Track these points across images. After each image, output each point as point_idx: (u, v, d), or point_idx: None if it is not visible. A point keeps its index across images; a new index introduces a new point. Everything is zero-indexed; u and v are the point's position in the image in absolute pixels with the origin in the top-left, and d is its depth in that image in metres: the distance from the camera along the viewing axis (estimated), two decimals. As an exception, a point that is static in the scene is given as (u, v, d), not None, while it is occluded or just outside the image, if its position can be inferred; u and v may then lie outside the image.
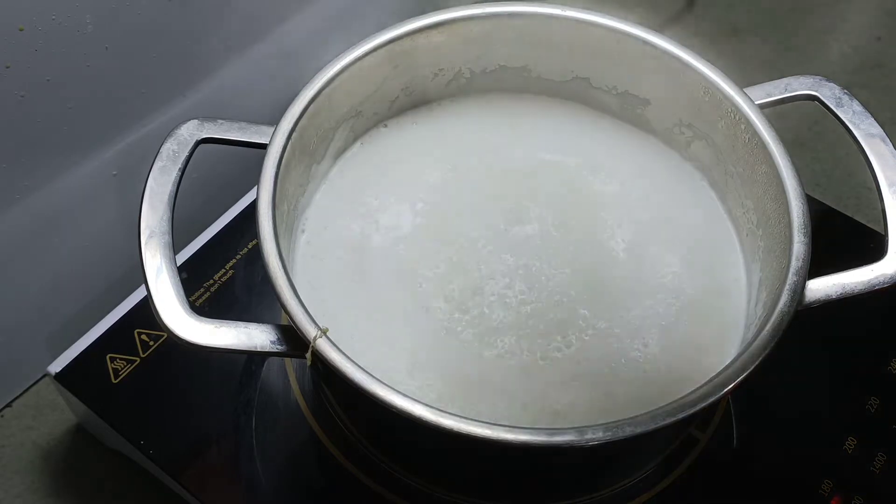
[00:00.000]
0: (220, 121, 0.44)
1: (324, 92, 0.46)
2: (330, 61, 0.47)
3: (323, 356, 0.37)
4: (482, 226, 0.49)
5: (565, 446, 0.36)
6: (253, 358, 0.51)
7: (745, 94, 0.47)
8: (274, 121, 0.45)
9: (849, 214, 0.60)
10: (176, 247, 0.41)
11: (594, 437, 0.36)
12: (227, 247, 0.55)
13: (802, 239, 0.42)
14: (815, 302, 0.41)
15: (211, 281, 0.53)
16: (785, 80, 0.49)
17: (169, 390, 0.50)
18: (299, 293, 0.39)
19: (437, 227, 0.49)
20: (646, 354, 0.45)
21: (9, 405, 0.56)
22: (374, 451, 0.48)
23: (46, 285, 0.53)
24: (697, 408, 0.37)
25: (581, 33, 0.50)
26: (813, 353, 0.52)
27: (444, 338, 0.45)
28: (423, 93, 0.53)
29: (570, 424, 0.40)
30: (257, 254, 0.40)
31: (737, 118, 0.47)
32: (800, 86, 0.48)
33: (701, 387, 0.38)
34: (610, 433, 0.36)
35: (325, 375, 0.43)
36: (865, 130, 0.46)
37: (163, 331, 0.38)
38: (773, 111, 0.48)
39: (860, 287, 0.42)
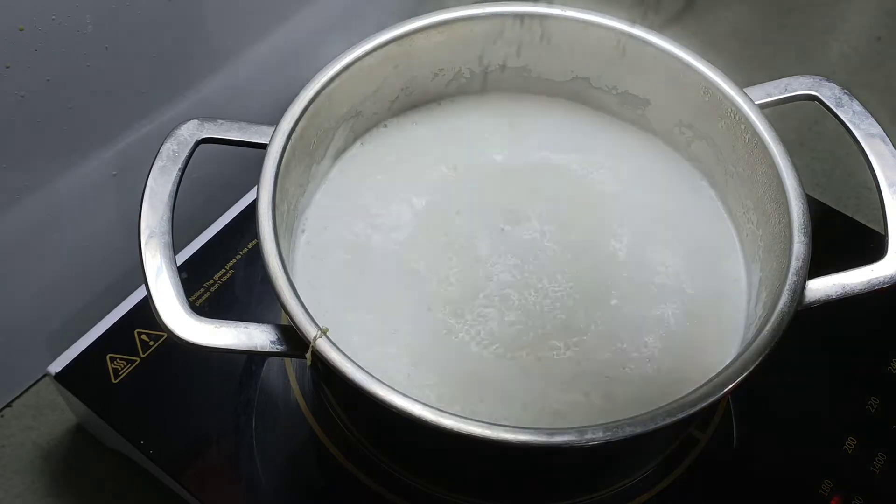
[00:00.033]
0: (220, 121, 0.44)
1: (324, 92, 0.46)
2: (330, 61, 0.47)
3: (323, 356, 0.37)
4: (482, 226, 0.49)
5: (565, 446, 0.36)
6: (253, 358, 0.51)
7: (745, 94, 0.47)
8: (274, 121, 0.45)
9: (849, 214, 0.60)
10: (176, 247, 0.41)
11: (594, 437, 0.36)
12: (227, 247, 0.55)
13: (802, 239, 0.42)
14: (815, 302, 0.41)
15: (211, 281, 0.53)
16: (785, 80, 0.49)
17: (169, 390, 0.50)
18: (299, 293, 0.39)
19: (437, 227, 0.49)
20: (646, 354, 0.45)
21: (9, 405, 0.56)
22: (374, 451, 0.48)
23: (46, 285, 0.53)
24: (697, 408, 0.37)
25: (581, 33, 0.50)
26: (813, 353, 0.52)
27: (444, 338, 0.45)
28: (423, 93, 0.53)
29: (570, 424, 0.40)
30: (257, 254, 0.40)
31: (737, 118, 0.47)
32: (800, 86, 0.48)
33: (701, 387, 0.38)
34: (610, 433, 0.36)
35: (325, 375, 0.43)
36: (865, 130, 0.46)
37: (163, 331, 0.39)
38: (773, 111, 0.48)
39: (860, 287, 0.42)
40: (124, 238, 0.52)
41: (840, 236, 0.58)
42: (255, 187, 0.42)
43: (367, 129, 0.52)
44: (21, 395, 0.56)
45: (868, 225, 0.59)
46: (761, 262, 0.46)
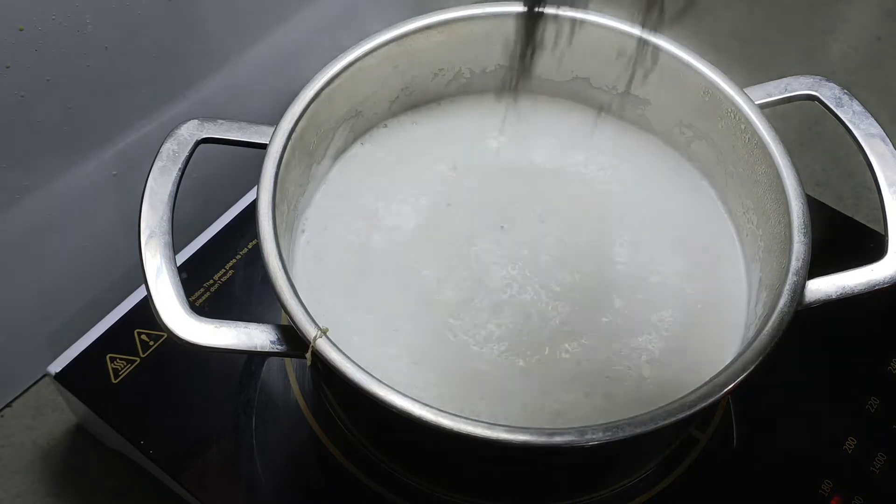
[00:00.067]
0: (220, 121, 0.44)
1: (324, 92, 0.46)
2: (330, 61, 0.47)
3: (323, 356, 0.37)
4: (482, 226, 0.49)
5: (565, 446, 0.36)
6: (253, 358, 0.51)
7: (745, 94, 0.47)
8: (274, 121, 0.45)
9: (849, 214, 0.60)
10: (176, 247, 0.41)
11: (594, 437, 0.36)
12: (227, 247, 0.55)
13: (802, 239, 0.42)
14: (815, 302, 0.41)
15: (211, 281, 0.53)
16: (785, 80, 0.49)
17: (169, 390, 0.50)
18: (299, 293, 0.39)
19: (437, 227, 0.49)
20: (646, 354, 0.45)
21: (9, 405, 0.56)
22: (374, 451, 0.48)
23: (46, 285, 0.53)
24: (697, 408, 0.37)
25: (581, 33, 0.50)
26: (813, 353, 0.52)
27: (444, 338, 0.45)
28: (423, 93, 0.53)
29: (570, 424, 0.40)
30: (257, 254, 0.40)
31: (737, 118, 0.47)
32: (800, 86, 0.48)
33: (701, 387, 0.38)
34: (610, 433, 0.36)
35: (325, 375, 0.43)
36: (865, 130, 0.46)
37: (163, 331, 0.39)
38: (773, 111, 0.48)
39: (860, 287, 0.42)
40: (124, 238, 0.51)
41: (840, 236, 0.58)
42: (255, 187, 0.42)
43: (367, 129, 0.52)
44: (21, 395, 0.56)
45: (868, 225, 0.59)
46: (761, 262, 0.46)
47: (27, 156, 0.48)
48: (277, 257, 0.40)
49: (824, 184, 0.69)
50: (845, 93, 0.47)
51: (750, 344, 0.39)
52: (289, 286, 0.39)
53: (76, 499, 0.52)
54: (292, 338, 0.39)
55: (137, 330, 0.51)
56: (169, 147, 0.43)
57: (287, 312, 0.38)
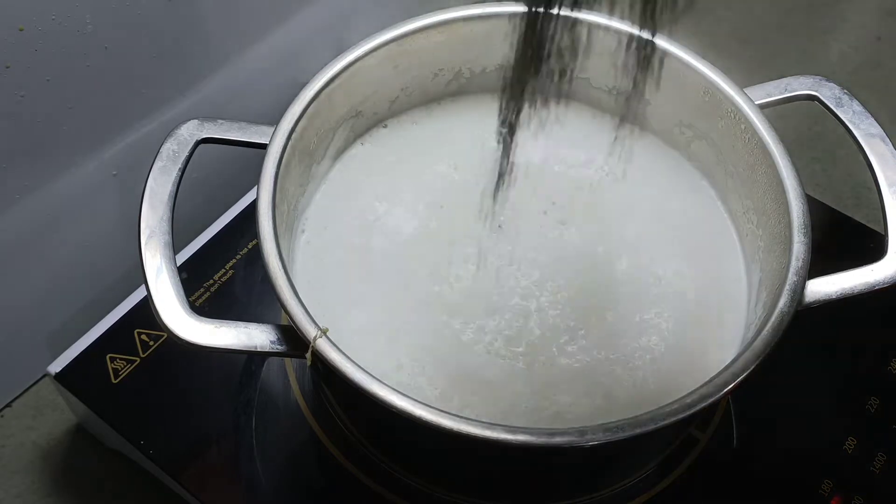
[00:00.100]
0: (220, 121, 0.44)
1: (324, 92, 0.46)
2: (330, 61, 0.47)
3: (323, 356, 0.37)
4: (482, 225, 0.48)
5: (565, 446, 0.36)
6: (253, 358, 0.51)
7: (745, 94, 0.47)
8: (274, 121, 0.45)
9: (849, 214, 0.60)
10: (176, 247, 0.41)
11: (594, 437, 0.36)
12: (227, 247, 0.55)
13: (802, 239, 0.42)
14: (815, 302, 0.41)
15: (211, 281, 0.53)
16: (785, 80, 0.49)
17: (169, 390, 0.50)
18: (299, 293, 0.39)
19: (437, 227, 0.49)
20: (646, 354, 0.45)
21: (9, 405, 0.56)
22: (374, 451, 0.48)
23: (46, 285, 0.53)
24: (697, 408, 0.37)
25: (581, 33, 0.50)
26: (813, 353, 0.52)
27: (444, 337, 0.45)
28: (423, 93, 0.53)
29: (570, 424, 0.40)
30: (257, 254, 0.40)
31: (737, 118, 0.47)
32: (800, 86, 0.48)
33: (701, 387, 0.38)
34: (610, 433, 0.36)
35: (325, 375, 0.43)
36: (865, 130, 0.46)
37: (163, 331, 0.39)
38: (773, 111, 0.48)
39: (860, 287, 0.42)
40: (124, 238, 0.51)
41: (840, 236, 0.58)
42: (255, 187, 0.42)
43: (367, 129, 0.52)
44: (21, 395, 0.56)
45: (868, 225, 0.59)
46: (761, 262, 0.46)
47: (27, 156, 0.48)
48: (277, 257, 0.40)
49: (824, 184, 0.69)
50: (845, 93, 0.47)
51: (750, 344, 0.39)
52: (289, 286, 0.39)
53: (76, 499, 0.52)
54: (292, 338, 0.39)
55: (137, 330, 0.51)
56: (169, 147, 0.43)
57: (287, 312, 0.38)
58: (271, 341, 0.39)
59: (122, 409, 0.49)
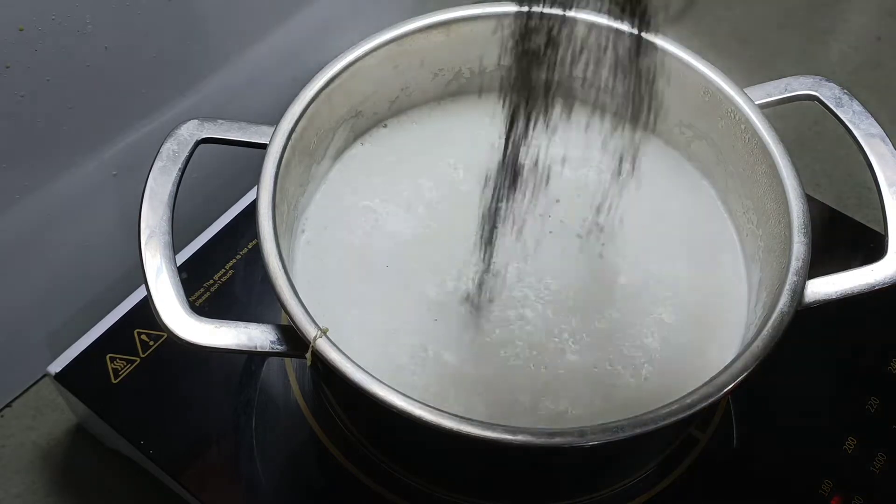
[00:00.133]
0: (220, 121, 0.44)
1: (324, 92, 0.46)
2: (330, 61, 0.47)
3: (323, 356, 0.37)
4: (482, 226, 0.48)
5: (565, 446, 0.36)
6: (253, 358, 0.51)
7: (745, 94, 0.47)
8: (274, 121, 0.45)
9: (849, 214, 0.60)
10: (176, 247, 0.41)
11: (594, 437, 0.36)
12: (227, 247, 0.55)
13: (802, 239, 0.42)
14: (815, 302, 0.41)
15: (211, 281, 0.53)
16: (785, 80, 0.49)
17: (169, 390, 0.50)
18: (299, 293, 0.39)
19: (437, 227, 0.49)
20: (646, 354, 0.45)
21: (9, 405, 0.56)
22: (374, 451, 0.48)
23: (46, 285, 0.53)
24: (697, 408, 0.37)
25: (581, 33, 0.50)
26: (813, 353, 0.52)
27: (444, 338, 0.45)
28: (423, 93, 0.53)
29: (571, 424, 0.40)
30: (257, 254, 0.40)
31: (737, 118, 0.47)
32: (800, 86, 0.48)
33: (701, 387, 0.38)
34: (610, 433, 0.36)
35: (325, 375, 0.43)
36: (865, 130, 0.46)
37: (163, 331, 0.39)
38: (773, 111, 0.48)
39: (860, 287, 0.42)
40: (124, 238, 0.51)
41: (840, 236, 0.58)
42: (255, 187, 0.42)
43: (367, 129, 0.52)
44: (21, 395, 0.56)
45: (868, 225, 0.59)
46: (761, 262, 0.46)
47: (27, 156, 0.48)
48: (277, 257, 0.40)
49: (824, 184, 0.69)
50: (845, 93, 0.47)
51: (750, 344, 0.39)
52: (289, 286, 0.39)
53: (76, 499, 0.52)
54: (292, 338, 0.39)
55: (137, 330, 0.51)
56: (169, 147, 0.43)
57: (287, 312, 0.38)
58: (271, 341, 0.39)
59: (122, 409, 0.49)
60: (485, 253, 0.44)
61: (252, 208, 0.44)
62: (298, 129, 0.45)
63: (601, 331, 0.45)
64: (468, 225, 0.48)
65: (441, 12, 0.49)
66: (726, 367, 0.39)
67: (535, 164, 0.43)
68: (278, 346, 0.39)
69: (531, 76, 0.38)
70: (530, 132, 0.40)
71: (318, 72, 0.46)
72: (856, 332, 0.53)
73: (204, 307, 0.52)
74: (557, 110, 0.40)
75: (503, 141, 0.41)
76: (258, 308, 0.53)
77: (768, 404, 0.51)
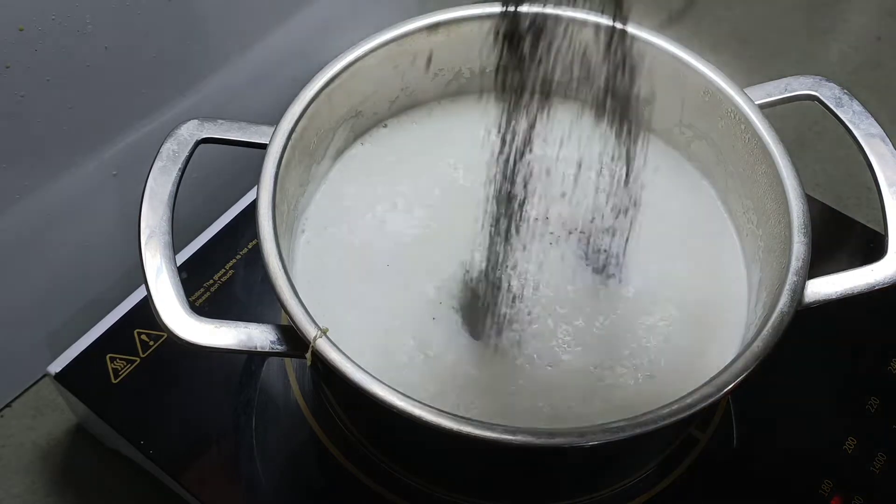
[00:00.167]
0: (220, 121, 0.44)
1: (324, 92, 0.46)
2: (330, 61, 0.47)
3: (323, 356, 0.37)
4: (482, 226, 0.48)
5: (565, 446, 0.36)
6: (253, 358, 0.51)
7: (745, 94, 0.47)
8: (274, 121, 0.45)
9: (849, 214, 0.60)
10: (176, 247, 0.41)
11: (594, 437, 0.36)
12: (227, 247, 0.55)
13: (802, 239, 0.42)
14: (815, 302, 0.41)
15: (211, 281, 0.53)
16: (785, 80, 0.49)
17: (169, 390, 0.50)
18: (299, 293, 0.39)
19: (437, 227, 0.49)
20: (646, 355, 0.45)
21: (9, 405, 0.56)
22: (374, 451, 0.48)
23: (46, 285, 0.53)
24: (697, 408, 0.37)
25: (581, 33, 0.50)
26: (813, 353, 0.52)
27: (444, 338, 0.45)
28: (424, 93, 0.53)
29: (571, 424, 0.40)
30: (257, 254, 0.40)
31: (737, 118, 0.47)
32: (800, 86, 0.48)
33: (701, 387, 0.38)
34: (610, 434, 0.36)
35: (325, 375, 0.43)
36: (865, 130, 0.46)
37: (163, 331, 0.39)
38: (773, 111, 0.48)
39: (860, 287, 0.42)
40: (124, 238, 0.51)
41: (840, 236, 0.58)
42: (255, 187, 0.42)
43: (367, 129, 0.52)
44: (21, 395, 0.56)
45: (868, 225, 0.59)
46: (761, 262, 0.46)
47: (27, 156, 0.48)
48: (277, 257, 0.40)
49: (824, 184, 0.69)
50: (845, 93, 0.47)
51: (750, 344, 0.39)
52: (289, 286, 0.39)
53: (76, 499, 0.52)
54: (292, 338, 0.39)
55: (137, 330, 0.51)
56: (169, 147, 0.43)
57: (287, 312, 0.38)
58: (271, 341, 0.39)
59: (122, 409, 0.49)
60: (484, 253, 0.44)
61: (252, 208, 0.44)
62: (298, 129, 0.45)
63: (601, 331, 0.45)
64: (468, 225, 0.49)
65: (441, 12, 0.49)
66: (726, 367, 0.39)
67: (535, 164, 0.43)
68: (278, 346, 0.39)
69: (520, 76, 0.38)
70: (522, 130, 0.40)
71: (318, 72, 0.46)
72: (856, 332, 0.53)
73: (204, 307, 0.52)
74: (550, 110, 0.40)
75: (499, 141, 0.41)
76: (258, 308, 0.53)
77: (768, 404, 0.51)
